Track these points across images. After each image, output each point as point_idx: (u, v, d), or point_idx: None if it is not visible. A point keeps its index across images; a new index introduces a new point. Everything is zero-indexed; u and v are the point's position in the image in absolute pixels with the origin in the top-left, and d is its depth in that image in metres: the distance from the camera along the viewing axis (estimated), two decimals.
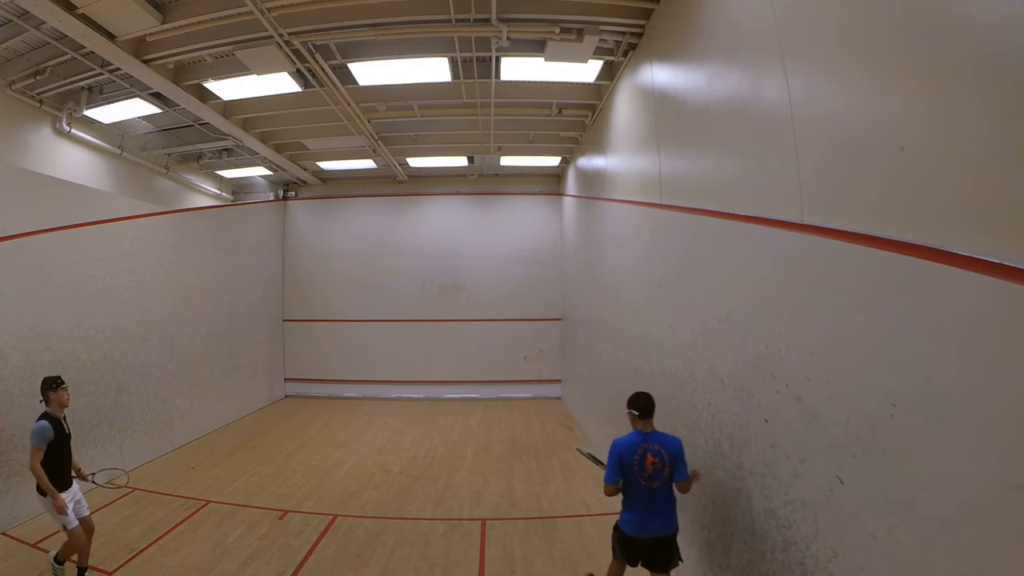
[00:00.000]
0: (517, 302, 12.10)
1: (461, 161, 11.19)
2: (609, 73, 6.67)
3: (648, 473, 3.25)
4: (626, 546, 3.38)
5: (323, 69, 6.18)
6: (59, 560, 4.08)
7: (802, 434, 2.59)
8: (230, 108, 7.72)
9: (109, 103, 7.16)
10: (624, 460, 3.30)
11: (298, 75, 6.62)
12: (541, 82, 7.06)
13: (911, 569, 1.91)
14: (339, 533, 5.19)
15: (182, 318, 8.45)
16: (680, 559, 3.41)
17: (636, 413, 3.40)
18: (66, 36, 5.34)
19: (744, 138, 3.28)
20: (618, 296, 6.45)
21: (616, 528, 3.46)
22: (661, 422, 4.72)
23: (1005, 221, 1.59)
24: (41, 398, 4.09)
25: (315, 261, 12.51)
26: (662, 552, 3.33)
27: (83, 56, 5.90)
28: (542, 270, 12.11)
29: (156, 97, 7.13)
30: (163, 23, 5.20)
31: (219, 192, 11.56)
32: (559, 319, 11.88)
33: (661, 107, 4.97)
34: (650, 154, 5.26)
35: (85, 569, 4.15)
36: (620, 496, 3.41)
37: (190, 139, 9.00)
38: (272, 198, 12.54)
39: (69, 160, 7.46)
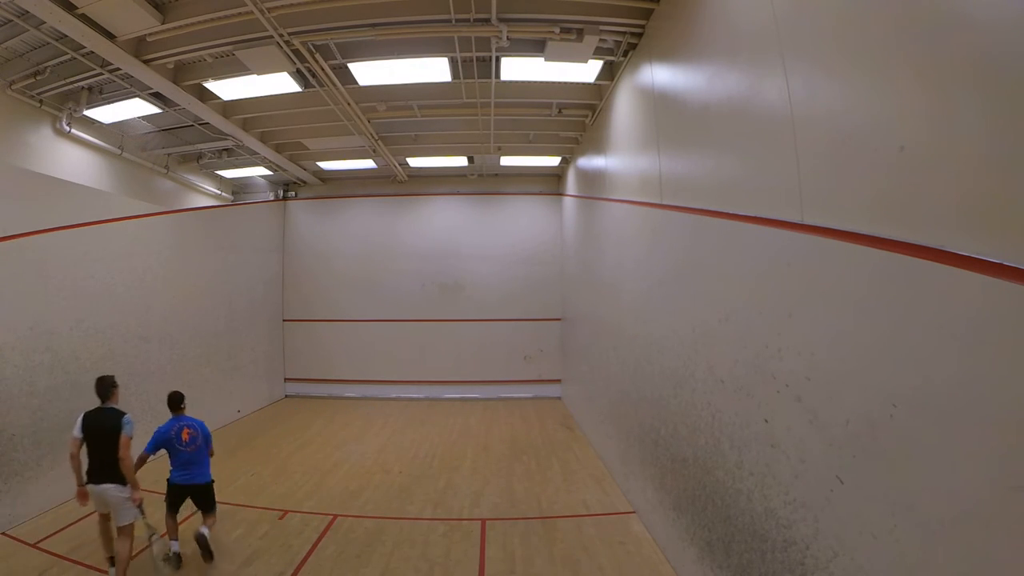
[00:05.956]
0: (517, 302, 12.10)
1: (461, 161, 11.19)
2: (609, 73, 6.67)
3: (185, 440, 4.62)
4: (174, 493, 4.62)
5: (323, 69, 6.18)
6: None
7: (802, 434, 2.59)
8: (230, 108, 7.71)
9: (109, 103, 7.16)
10: (164, 437, 4.60)
11: (298, 75, 6.62)
12: (541, 82, 7.05)
13: (911, 569, 1.91)
14: (339, 533, 5.19)
15: (182, 318, 8.44)
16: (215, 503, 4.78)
17: (170, 407, 4.83)
18: (66, 36, 5.34)
19: (744, 138, 3.28)
20: (618, 296, 6.45)
21: (168, 484, 4.64)
22: (662, 421, 4.75)
23: (1004, 221, 1.59)
24: (108, 395, 4.26)
25: (315, 261, 12.51)
26: (204, 496, 4.70)
27: (83, 56, 5.90)
28: (542, 270, 12.10)
29: (156, 97, 7.13)
30: (163, 23, 5.20)
31: (219, 192, 11.56)
32: (559, 319, 11.87)
33: (661, 107, 4.97)
34: (650, 154, 5.26)
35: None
36: None
37: (190, 139, 9.00)
38: (272, 198, 12.54)
39: (69, 160, 7.46)
